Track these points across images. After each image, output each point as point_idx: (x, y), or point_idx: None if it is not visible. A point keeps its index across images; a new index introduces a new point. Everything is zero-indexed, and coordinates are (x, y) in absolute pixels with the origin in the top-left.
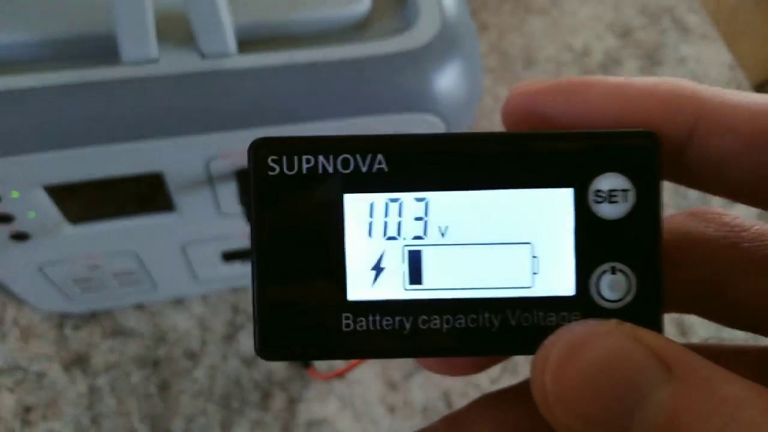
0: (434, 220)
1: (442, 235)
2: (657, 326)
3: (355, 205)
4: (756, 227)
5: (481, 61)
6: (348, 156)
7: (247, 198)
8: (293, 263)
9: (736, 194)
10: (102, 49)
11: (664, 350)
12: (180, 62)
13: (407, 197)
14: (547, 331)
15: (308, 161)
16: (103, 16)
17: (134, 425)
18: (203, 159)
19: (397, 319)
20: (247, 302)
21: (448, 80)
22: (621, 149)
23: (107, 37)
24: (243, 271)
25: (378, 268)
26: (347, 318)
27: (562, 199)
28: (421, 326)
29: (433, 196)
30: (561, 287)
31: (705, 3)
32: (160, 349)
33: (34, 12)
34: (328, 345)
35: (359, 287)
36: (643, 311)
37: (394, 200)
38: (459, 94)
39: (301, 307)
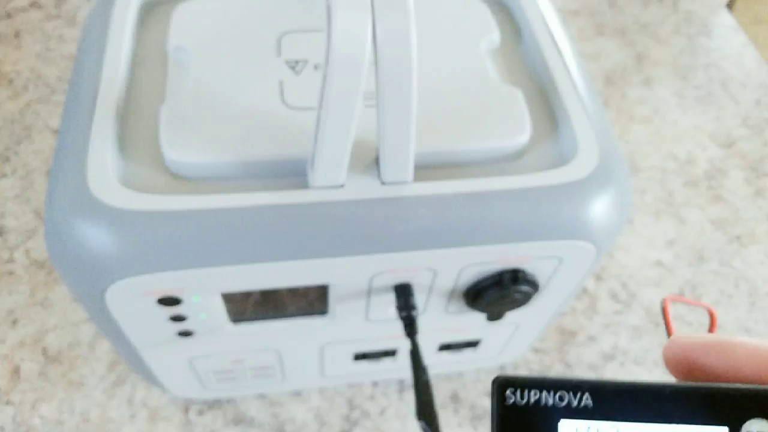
0: None
1: None
2: None
3: (567, 428)
4: None
5: (630, 184)
6: (564, 393)
7: (403, 311)
8: None
9: None
10: (287, 171)
11: None
12: (362, 189)
13: (605, 425)
14: None
15: (535, 394)
16: (296, 142)
17: None
18: (370, 274)
19: None
20: (362, 397)
21: (603, 209)
22: (766, 401)
23: (296, 161)
24: (367, 369)
25: None
26: None
27: None
28: None
29: (623, 427)
30: None
31: None
32: None
33: (231, 135)
34: None
35: None
36: None
37: (596, 427)
38: (612, 221)
39: None
